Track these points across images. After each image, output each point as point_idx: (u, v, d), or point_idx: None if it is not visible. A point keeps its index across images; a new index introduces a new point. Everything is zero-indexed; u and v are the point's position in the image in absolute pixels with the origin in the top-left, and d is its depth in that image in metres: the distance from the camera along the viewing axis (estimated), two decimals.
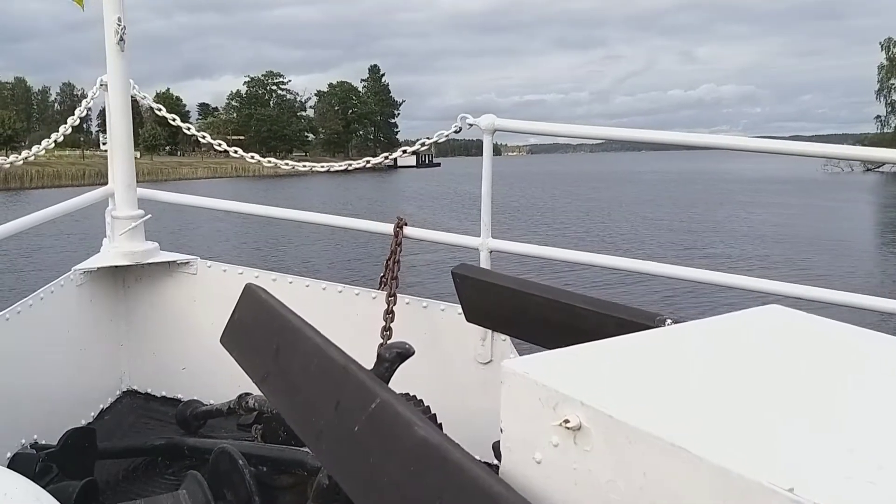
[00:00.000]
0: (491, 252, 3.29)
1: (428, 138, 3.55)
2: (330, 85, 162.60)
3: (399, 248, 3.45)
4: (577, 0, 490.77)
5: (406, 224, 3.49)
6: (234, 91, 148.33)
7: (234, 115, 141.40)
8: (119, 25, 3.46)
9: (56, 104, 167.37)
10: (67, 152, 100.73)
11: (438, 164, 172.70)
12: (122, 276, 3.78)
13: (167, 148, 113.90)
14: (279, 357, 1.65)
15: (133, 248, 3.65)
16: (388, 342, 3.21)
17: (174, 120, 4.29)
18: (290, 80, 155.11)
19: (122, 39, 3.48)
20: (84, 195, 3.64)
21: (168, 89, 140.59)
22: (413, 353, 2.24)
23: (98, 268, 3.60)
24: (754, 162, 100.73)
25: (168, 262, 3.75)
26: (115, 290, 3.77)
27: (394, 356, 2.22)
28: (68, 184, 72.07)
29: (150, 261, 3.71)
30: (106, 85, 3.57)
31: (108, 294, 3.74)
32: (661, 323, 1.85)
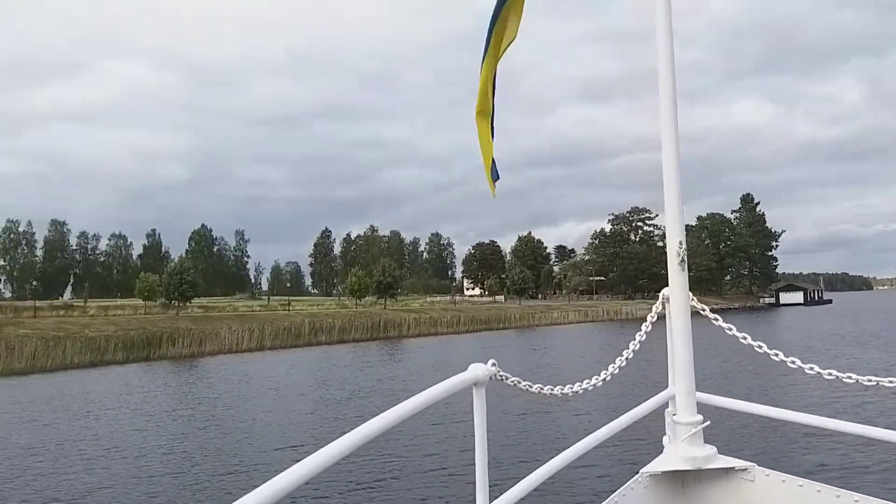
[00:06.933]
0: None
1: None
2: (699, 218, 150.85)
3: None
4: None
5: None
6: (598, 230, 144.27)
7: (595, 255, 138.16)
8: (680, 248, 3.82)
9: (425, 253, 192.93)
10: (438, 298, 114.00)
11: (830, 301, 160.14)
12: (681, 478, 3.98)
13: (529, 292, 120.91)
14: None
15: (693, 453, 3.80)
16: None
17: None
18: (656, 215, 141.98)
19: (683, 261, 3.83)
20: (648, 402, 4.01)
21: (529, 233, 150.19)
22: None
23: (662, 472, 3.82)
24: None
25: (726, 468, 3.84)
26: (673, 492, 3.99)
27: None
28: (444, 331, 71.18)
29: (709, 466, 3.84)
30: (668, 297, 3.93)
31: (668, 495, 3.96)
32: None
